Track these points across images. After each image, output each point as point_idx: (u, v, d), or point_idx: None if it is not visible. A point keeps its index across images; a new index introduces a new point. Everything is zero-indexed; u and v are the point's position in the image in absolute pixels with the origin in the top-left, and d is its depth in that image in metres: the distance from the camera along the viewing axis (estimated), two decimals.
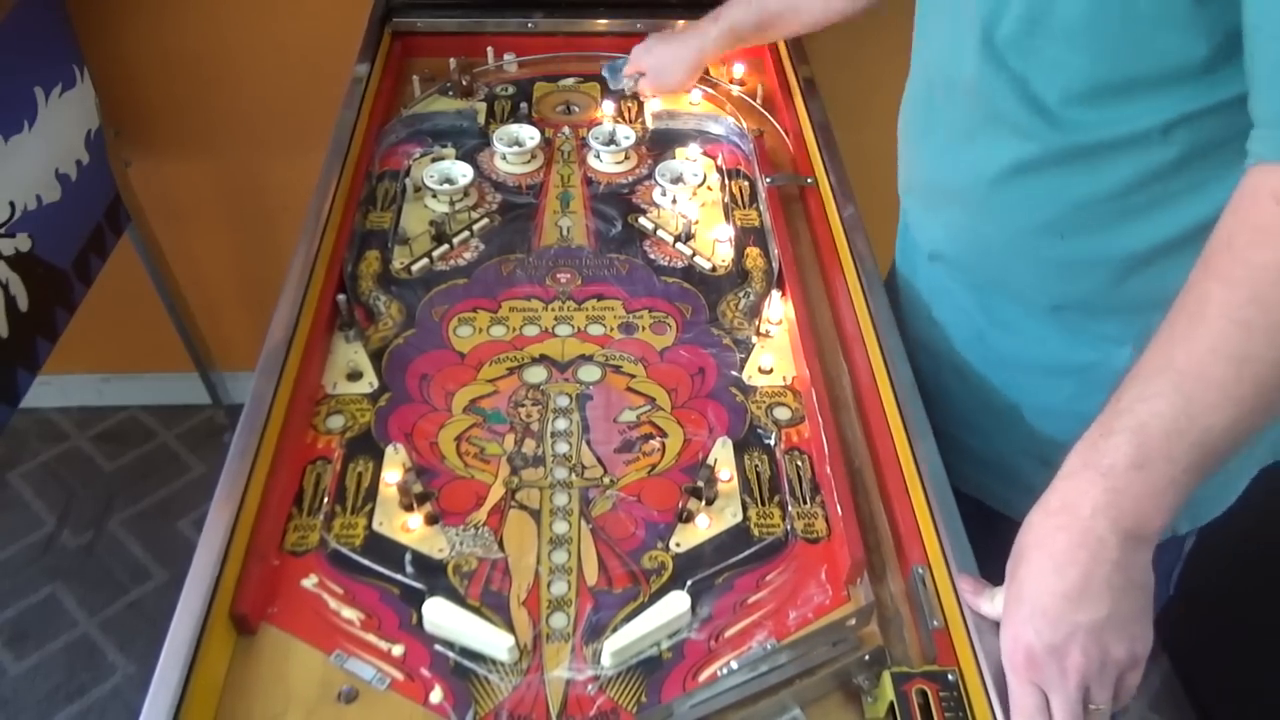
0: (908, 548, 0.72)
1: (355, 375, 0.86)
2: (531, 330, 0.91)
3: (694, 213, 1.04)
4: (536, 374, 0.87)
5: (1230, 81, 0.61)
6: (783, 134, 1.18)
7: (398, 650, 0.66)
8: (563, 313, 0.93)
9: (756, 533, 0.74)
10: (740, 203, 1.08)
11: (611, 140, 1.13)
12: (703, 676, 0.65)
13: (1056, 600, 0.57)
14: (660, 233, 1.03)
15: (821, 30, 1.12)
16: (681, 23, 1.27)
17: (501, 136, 1.12)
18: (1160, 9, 0.61)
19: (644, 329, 0.92)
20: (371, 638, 0.67)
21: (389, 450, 0.79)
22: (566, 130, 1.17)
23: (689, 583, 0.70)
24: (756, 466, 0.79)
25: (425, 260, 0.98)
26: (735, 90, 1.24)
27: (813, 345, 0.87)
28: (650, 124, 1.18)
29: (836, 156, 1.06)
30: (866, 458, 0.81)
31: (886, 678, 0.63)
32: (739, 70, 1.26)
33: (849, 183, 1.03)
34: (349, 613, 0.68)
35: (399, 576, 0.70)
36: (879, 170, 1.78)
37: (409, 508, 0.75)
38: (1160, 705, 1.69)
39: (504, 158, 1.11)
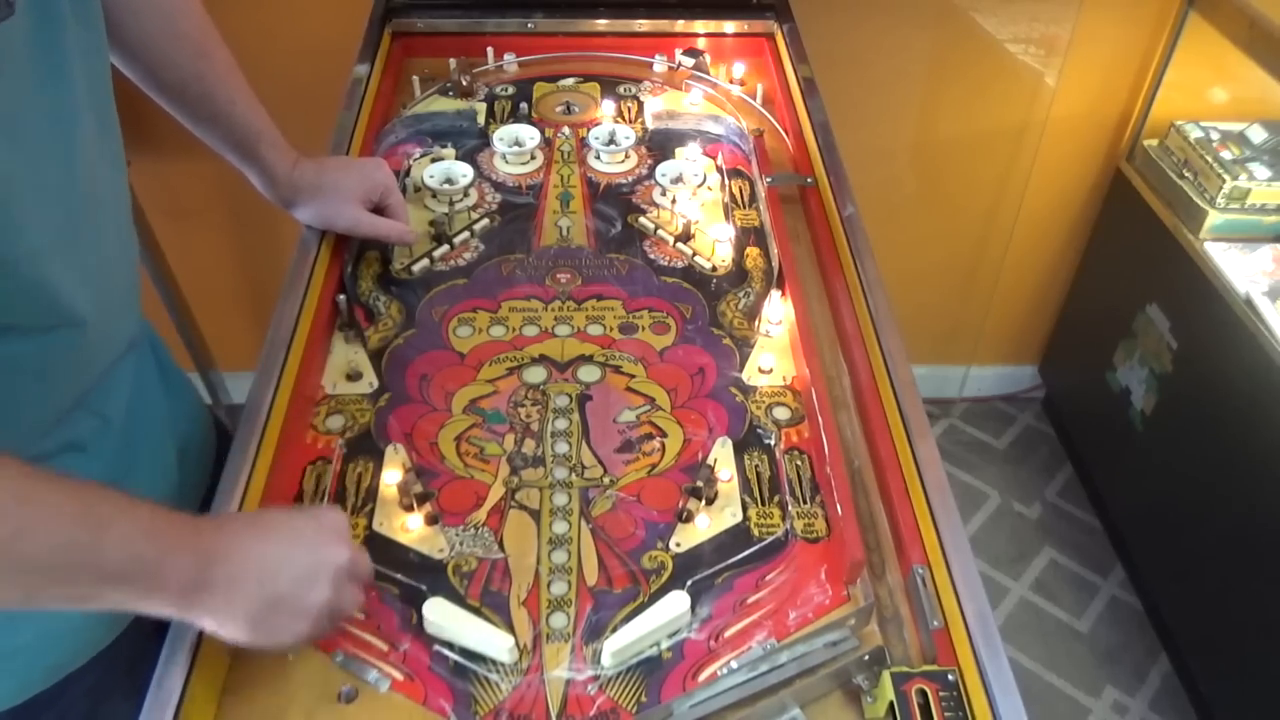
0: (908, 548, 0.72)
1: (355, 375, 0.86)
2: (531, 330, 0.91)
3: (694, 213, 1.04)
4: (536, 374, 0.87)
5: None
6: (783, 134, 1.18)
7: (398, 650, 0.66)
8: (562, 313, 0.93)
9: (756, 533, 0.74)
10: (740, 203, 1.08)
11: (611, 140, 1.13)
12: (703, 676, 0.65)
13: None
14: (660, 233, 1.03)
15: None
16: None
17: (501, 137, 1.12)
18: None
19: (644, 329, 0.92)
20: (371, 638, 0.67)
21: (389, 450, 0.79)
22: (566, 130, 1.17)
23: (689, 583, 0.70)
24: (756, 466, 0.79)
25: (425, 260, 0.98)
26: (735, 90, 1.24)
27: (812, 345, 0.87)
28: (650, 124, 1.18)
29: (836, 156, 1.06)
30: (866, 458, 0.81)
31: (886, 678, 0.63)
32: (739, 70, 1.26)
33: (849, 183, 1.03)
34: None
35: (399, 576, 0.70)
36: (879, 170, 1.79)
37: (409, 508, 0.75)
38: (1160, 705, 1.69)
39: (504, 158, 1.11)
